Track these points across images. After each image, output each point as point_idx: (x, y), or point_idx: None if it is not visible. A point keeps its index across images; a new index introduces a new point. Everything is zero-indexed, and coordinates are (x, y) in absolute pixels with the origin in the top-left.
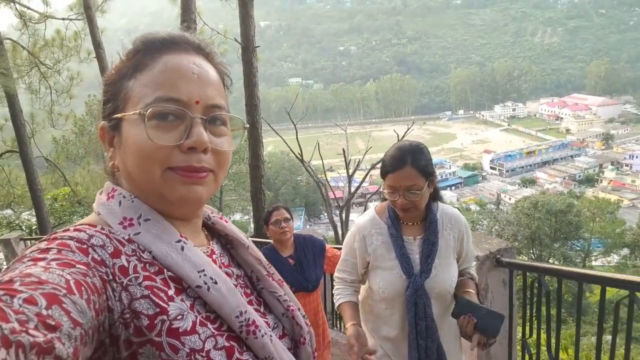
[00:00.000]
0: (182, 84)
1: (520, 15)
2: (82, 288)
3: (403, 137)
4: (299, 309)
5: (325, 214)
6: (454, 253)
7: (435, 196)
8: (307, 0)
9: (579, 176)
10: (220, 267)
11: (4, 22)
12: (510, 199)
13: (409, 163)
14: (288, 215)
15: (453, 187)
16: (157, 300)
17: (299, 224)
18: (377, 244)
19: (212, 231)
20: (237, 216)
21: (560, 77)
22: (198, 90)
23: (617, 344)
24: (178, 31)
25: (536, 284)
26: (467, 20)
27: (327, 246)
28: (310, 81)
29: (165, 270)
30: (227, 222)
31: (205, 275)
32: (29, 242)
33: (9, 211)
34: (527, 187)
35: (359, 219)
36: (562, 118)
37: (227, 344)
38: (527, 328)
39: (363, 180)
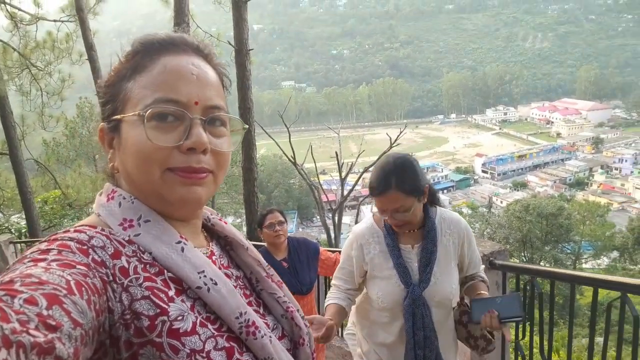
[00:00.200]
0: (181, 85)
1: (512, 21)
2: (83, 289)
3: (395, 140)
4: (298, 310)
5: (318, 217)
6: (454, 259)
7: (433, 201)
8: (300, 3)
9: (570, 180)
10: (219, 268)
11: None
12: (501, 202)
13: (393, 186)
14: (282, 219)
15: (445, 191)
16: (157, 301)
17: (291, 227)
18: (375, 253)
19: (212, 232)
20: (230, 219)
21: (550, 82)
22: (197, 91)
23: (608, 345)
24: (177, 33)
25: (529, 287)
26: (459, 25)
27: (321, 249)
28: (303, 84)
29: (165, 271)
30: (226, 223)
31: (205, 276)
32: (18, 245)
33: None
34: (518, 190)
35: (356, 226)
36: (552, 122)
37: (227, 345)
38: (520, 330)
39: (356, 184)
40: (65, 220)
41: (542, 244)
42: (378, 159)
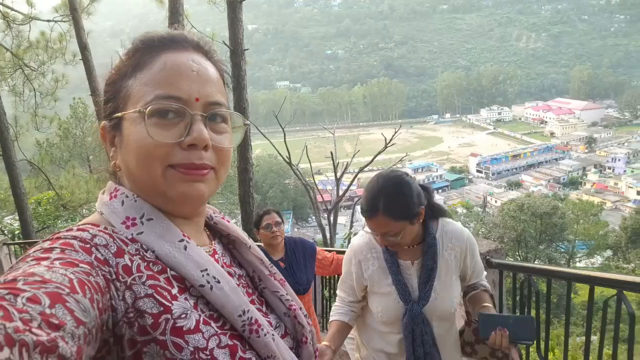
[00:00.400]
0: (181, 82)
1: (505, 21)
2: (86, 287)
3: (390, 140)
4: (300, 309)
5: (313, 217)
6: (456, 272)
7: (435, 214)
8: (294, 3)
9: (563, 179)
10: (222, 266)
11: None
12: (496, 201)
13: (381, 211)
14: (279, 219)
15: (440, 190)
16: (161, 299)
17: (286, 228)
18: (373, 269)
19: (214, 231)
20: None
21: (544, 82)
22: (198, 88)
23: (604, 343)
24: (177, 30)
25: (525, 285)
26: (453, 25)
27: (318, 249)
28: (298, 84)
29: (168, 269)
30: (229, 222)
31: (208, 274)
32: (12, 247)
33: None
34: (512, 189)
35: (354, 240)
36: (546, 122)
37: (230, 343)
38: None
39: (351, 184)
40: (59, 221)
41: (537, 243)
42: (373, 158)
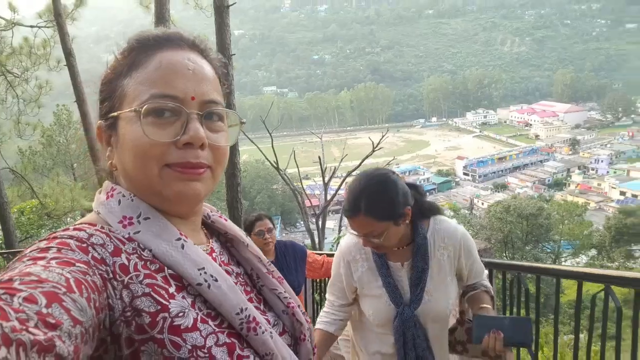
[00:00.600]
0: (177, 81)
1: (490, 25)
2: (82, 286)
3: (378, 144)
4: (299, 306)
5: (302, 222)
6: (450, 273)
7: (426, 214)
8: (281, 9)
9: (548, 180)
10: (220, 265)
11: None
12: (483, 203)
13: (362, 211)
14: (271, 225)
15: (427, 194)
16: (158, 297)
17: (276, 233)
18: (363, 271)
19: (212, 229)
20: None
21: (528, 85)
22: (193, 86)
23: (592, 340)
24: (172, 30)
25: (515, 283)
26: (438, 30)
27: (308, 252)
28: (285, 90)
29: (165, 268)
30: (226, 220)
31: (205, 273)
32: None
33: None
34: (499, 191)
35: (343, 241)
36: (531, 124)
37: (228, 341)
38: None
39: (339, 188)
40: (43, 230)
41: (523, 244)
42: (361, 162)
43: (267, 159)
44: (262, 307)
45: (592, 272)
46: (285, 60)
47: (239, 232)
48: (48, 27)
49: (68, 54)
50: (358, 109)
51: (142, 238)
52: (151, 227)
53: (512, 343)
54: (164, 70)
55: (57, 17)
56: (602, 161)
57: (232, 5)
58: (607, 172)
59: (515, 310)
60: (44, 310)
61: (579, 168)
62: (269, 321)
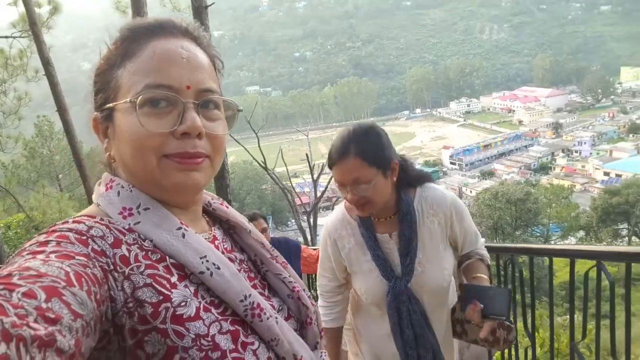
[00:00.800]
0: (171, 70)
1: (468, 14)
2: (82, 279)
3: None
4: (304, 290)
5: (293, 221)
6: (444, 241)
7: (411, 182)
8: (259, 8)
9: (534, 165)
10: (222, 252)
11: None
12: (471, 191)
13: (352, 152)
14: (266, 225)
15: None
16: (160, 287)
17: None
18: (350, 247)
19: (214, 217)
20: None
21: (509, 72)
22: (188, 75)
23: (586, 318)
24: (165, 16)
25: (509, 265)
26: (417, 21)
27: (303, 247)
28: (269, 88)
29: (167, 257)
30: (227, 207)
31: (207, 261)
32: None
33: None
34: (486, 179)
35: (327, 219)
36: (514, 110)
37: (232, 328)
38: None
39: (328, 184)
40: None
41: (513, 230)
42: None
43: (254, 159)
44: (266, 292)
45: (584, 249)
46: (267, 59)
47: (240, 219)
48: (23, 37)
49: (46, 63)
50: (342, 104)
51: (143, 228)
52: (151, 218)
53: (489, 314)
54: (158, 59)
55: (32, 25)
56: (584, 143)
57: (210, 5)
58: (590, 153)
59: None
60: (44, 305)
61: (562, 151)
62: (273, 306)
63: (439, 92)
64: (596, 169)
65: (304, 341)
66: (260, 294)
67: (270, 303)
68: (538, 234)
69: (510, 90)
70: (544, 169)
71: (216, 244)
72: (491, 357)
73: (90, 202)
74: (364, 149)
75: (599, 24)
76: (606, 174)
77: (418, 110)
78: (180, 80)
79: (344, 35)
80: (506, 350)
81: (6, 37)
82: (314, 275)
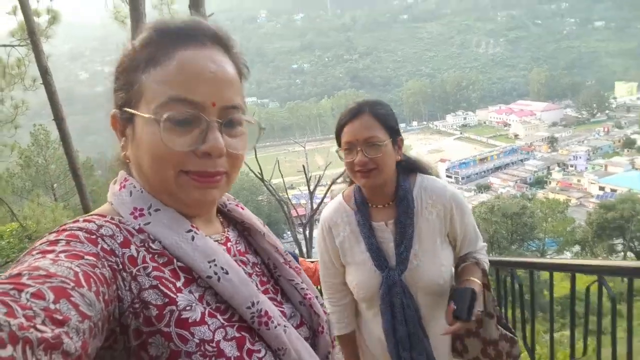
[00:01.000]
0: (198, 85)
1: (465, 28)
2: (91, 280)
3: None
4: (316, 297)
5: (289, 232)
6: (441, 235)
7: (410, 168)
8: (257, 19)
9: (530, 179)
10: (235, 255)
11: None
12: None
13: (367, 111)
14: None
15: None
16: (165, 290)
17: None
18: (345, 235)
19: (229, 218)
20: None
21: (505, 85)
22: (215, 91)
23: (587, 333)
24: (192, 19)
25: (509, 280)
26: (415, 34)
27: (300, 259)
28: (266, 100)
29: (175, 260)
30: (243, 209)
31: (215, 265)
32: None
33: None
34: (482, 192)
35: (324, 209)
36: (510, 124)
37: (237, 335)
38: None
39: (325, 196)
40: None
41: (509, 243)
42: (345, 170)
43: (251, 170)
44: (278, 298)
45: (585, 263)
46: (265, 71)
47: (256, 221)
48: (22, 46)
49: (44, 72)
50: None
51: (152, 229)
52: (162, 219)
53: (456, 316)
54: (185, 73)
55: (31, 35)
56: (580, 157)
57: (209, 17)
58: (586, 168)
59: (510, 306)
60: (52, 307)
61: (558, 165)
62: (284, 313)
63: (436, 105)
64: (591, 183)
65: (314, 350)
66: (272, 299)
67: (281, 309)
68: (534, 249)
69: (506, 104)
70: (539, 182)
71: (229, 245)
72: None
73: (86, 211)
74: (378, 111)
75: (593, 39)
76: (601, 188)
77: (415, 123)
78: (206, 96)
79: (342, 48)
80: None
81: (4, 45)
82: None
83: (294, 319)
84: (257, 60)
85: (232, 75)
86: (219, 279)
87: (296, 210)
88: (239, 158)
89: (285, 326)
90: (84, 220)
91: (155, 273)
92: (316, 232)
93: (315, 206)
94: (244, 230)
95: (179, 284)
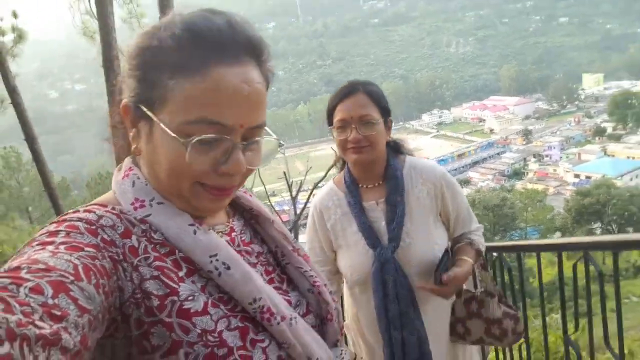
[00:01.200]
0: (230, 108)
1: (435, 29)
2: (91, 272)
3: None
4: (325, 285)
5: None
6: (434, 214)
7: (398, 149)
8: None
9: (507, 171)
10: (239, 244)
11: None
12: None
13: (361, 90)
14: None
15: None
16: (167, 281)
17: None
18: (336, 217)
19: (236, 206)
20: None
21: (477, 82)
22: (245, 114)
23: (578, 312)
24: (228, 23)
25: (498, 264)
26: (386, 38)
27: None
28: None
29: (177, 250)
30: (251, 196)
31: (217, 260)
32: None
33: None
34: (463, 187)
35: (315, 195)
36: (484, 120)
37: (240, 325)
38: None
39: (307, 201)
40: None
41: (492, 235)
42: (326, 173)
43: None
44: (284, 286)
45: (570, 241)
46: None
47: (264, 208)
48: None
49: (12, 91)
50: (317, 122)
51: (154, 220)
52: (164, 211)
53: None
54: (219, 94)
55: None
56: (554, 148)
57: None
58: (560, 157)
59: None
60: (50, 302)
61: (534, 156)
62: (290, 302)
63: (411, 105)
64: (567, 172)
65: (322, 338)
66: (277, 288)
67: (287, 298)
68: (517, 238)
69: (479, 100)
70: (517, 174)
71: (232, 236)
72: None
73: None
74: (372, 90)
75: (558, 35)
76: (576, 176)
77: None
78: (235, 119)
79: (314, 54)
80: (500, 350)
81: None
82: None
83: (300, 307)
84: None
85: (262, 94)
86: (219, 274)
87: (280, 217)
88: (253, 171)
89: (291, 319)
90: (85, 211)
91: (156, 263)
92: (302, 237)
93: (298, 211)
94: (252, 219)
95: (181, 274)
